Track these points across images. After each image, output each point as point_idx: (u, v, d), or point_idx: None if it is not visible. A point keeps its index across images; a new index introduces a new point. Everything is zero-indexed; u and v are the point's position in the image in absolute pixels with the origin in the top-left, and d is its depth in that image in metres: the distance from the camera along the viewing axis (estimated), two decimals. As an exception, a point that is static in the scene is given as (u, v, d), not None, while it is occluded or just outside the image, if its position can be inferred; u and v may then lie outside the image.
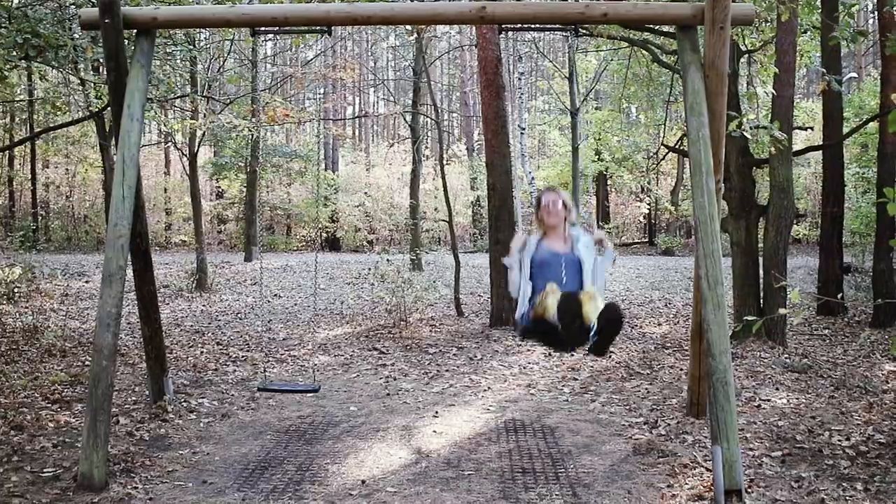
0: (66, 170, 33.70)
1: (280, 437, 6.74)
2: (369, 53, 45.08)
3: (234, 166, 28.72)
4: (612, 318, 4.79)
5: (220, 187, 35.07)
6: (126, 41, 6.46)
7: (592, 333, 4.85)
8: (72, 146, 30.78)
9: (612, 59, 22.52)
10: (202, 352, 10.31)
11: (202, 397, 7.99)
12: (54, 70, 10.04)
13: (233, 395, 8.18)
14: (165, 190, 35.13)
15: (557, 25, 6.56)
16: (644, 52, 13.75)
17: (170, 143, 26.59)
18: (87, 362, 9.17)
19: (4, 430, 6.52)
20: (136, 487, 5.45)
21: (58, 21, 8.71)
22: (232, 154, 27.03)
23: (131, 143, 5.99)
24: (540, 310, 4.97)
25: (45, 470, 5.70)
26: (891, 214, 4.39)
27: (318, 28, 6.36)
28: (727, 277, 11.24)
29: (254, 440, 6.67)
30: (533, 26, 6.46)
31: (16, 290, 11.78)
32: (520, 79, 23.75)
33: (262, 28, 6.47)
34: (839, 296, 10.90)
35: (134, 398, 7.80)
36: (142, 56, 6.19)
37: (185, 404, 7.63)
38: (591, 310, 4.84)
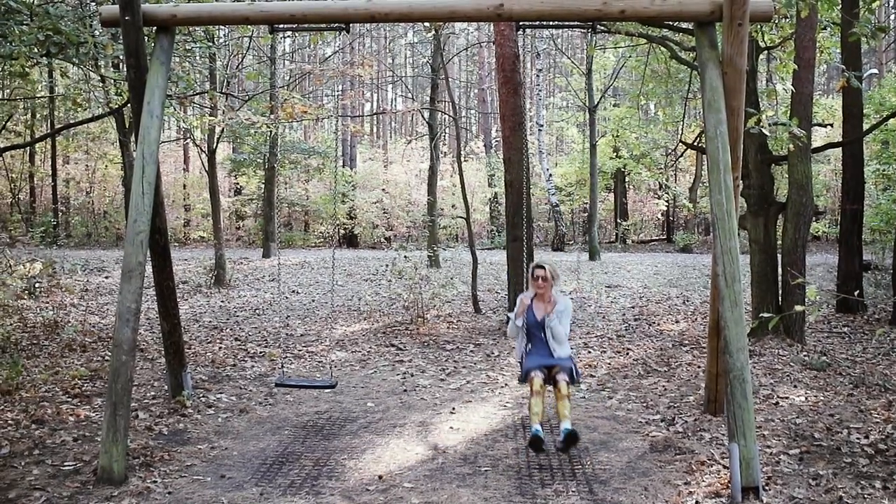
0: (86, 166, 33.99)
1: (297, 433, 6.78)
2: (387, 50, 45.12)
3: (253, 163, 28.85)
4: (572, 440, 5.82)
5: (238, 183, 35.24)
6: (146, 38, 6.51)
7: (560, 440, 5.88)
8: (91, 142, 31.04)
9: (629, 56, 22.41)
10: (220, 347, 10.38)
11: (220, 392, 8.04)
12: (74, 67, 10.11)
13: (251, 390, 8.23)
14: (184, 186, 35.33)
15: (575, 22, 6.54)
16: (662, 48, 13.68)
17: (188, 140, 26.72)
18: (106, 357, 9.25)
19: (26, 424, 6.60)
20: (154, 481, 5.50)
21: (78, 18, 8.78)
22: (250, 150, 27.13)
23: (151, 140, 6.04)
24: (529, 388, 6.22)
25: (65, 463, 5.77)
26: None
27: (335, 25, 6.38)
28: (745, 274, 11.19)
29: (271, 435, 6.71)
30: (550, 23, 6.45)
31: (37, 285, 11.84)
32: (538, 75, 23.75)
33: (281, 25, 6.51)
34: (857, 293, 10.78)
35: (153, 393, 7.86)
36: (161, 53, 6.24)
37: (203, 399, 7.69)
38: (564, 407, 6.01)
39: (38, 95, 19.54)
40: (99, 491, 5.26)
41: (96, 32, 8.80)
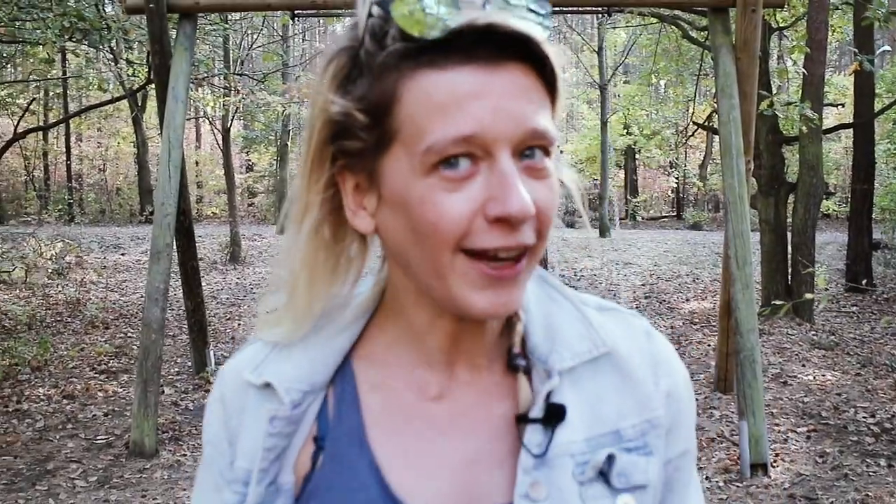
0: (99, 143, 34.14)
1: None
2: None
3: (265, 139, 28.92)
4: None
5: (250, 160, 35.33)
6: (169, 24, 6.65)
7: None
8: (104, 120, 31.17)
9: (640, 34, 22.36)
10: (239, 324, 10.56)
11: (242, 369, 8.23)
12: (96, 51, 10.23)
13: (271, 367, 8.41)
14: (197, 163, 35.30)
15: (590, 8, 6.65)
16: (674, 27, 13.71)
17: (202, 118, 26.84)
18: (129, 334, 9.47)
19: (57, 399, 6.83)
20: (184, 454, 5.71)
21: (94, 4, 8.85)
22: (262, 128, 27.19)
23: (176, 124, 6.19)
24: None
25: (98, 437, 5.99)
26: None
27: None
28: (755, 253, 11.31)
29: (293, 411, 6.89)
30: (566, 9, 6.57)
31: (65, 266, 12.03)
32: (549, 53, 23.70)
33: (302, 11, 6.63)
34: (864, 282, 10.76)
35: (177, 369, 8.07)
36: (185, 39, 6.36)
37: (226, 376, 7.88)
38: None
39: (53, 77, 19.63)
40: (132, 463, 5.48)
41: (118, 17, 8.91)
